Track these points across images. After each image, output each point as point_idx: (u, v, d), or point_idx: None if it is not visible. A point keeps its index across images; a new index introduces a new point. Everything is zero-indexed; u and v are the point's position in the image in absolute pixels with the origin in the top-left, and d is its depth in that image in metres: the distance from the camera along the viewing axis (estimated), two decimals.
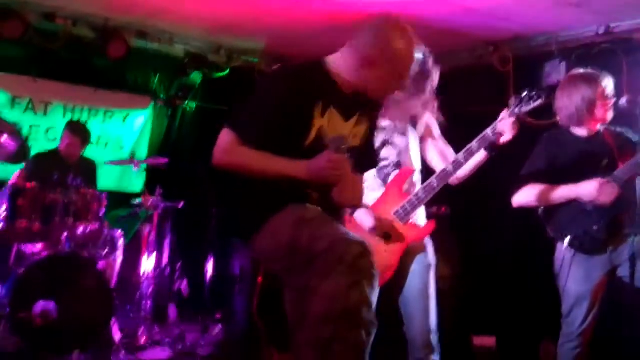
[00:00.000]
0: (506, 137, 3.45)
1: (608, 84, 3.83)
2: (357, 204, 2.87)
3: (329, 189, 2.68)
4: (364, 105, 2.83)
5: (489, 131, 3.45)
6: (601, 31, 5.53)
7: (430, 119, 3.74)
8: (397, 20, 2.75)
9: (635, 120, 3.50)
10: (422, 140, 3.75)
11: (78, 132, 6.07)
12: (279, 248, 2.62)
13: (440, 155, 3.74)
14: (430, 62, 3.53)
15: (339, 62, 2.76)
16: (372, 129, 2.97)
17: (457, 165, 3.49)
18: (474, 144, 3.48)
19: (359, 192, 2.78)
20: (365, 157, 2.94)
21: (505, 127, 3.43)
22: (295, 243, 2.56)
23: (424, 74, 3.48)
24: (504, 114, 3.47)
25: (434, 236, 3.63)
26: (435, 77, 3.57)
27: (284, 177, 2.63)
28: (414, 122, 3.65)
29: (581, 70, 3.98)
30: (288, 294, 2.78)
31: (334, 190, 2.67)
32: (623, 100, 3.59)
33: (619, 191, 3.63)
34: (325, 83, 2.72)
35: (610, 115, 3.82)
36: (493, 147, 3.50)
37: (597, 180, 3.67)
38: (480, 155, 3.54)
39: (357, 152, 2.81)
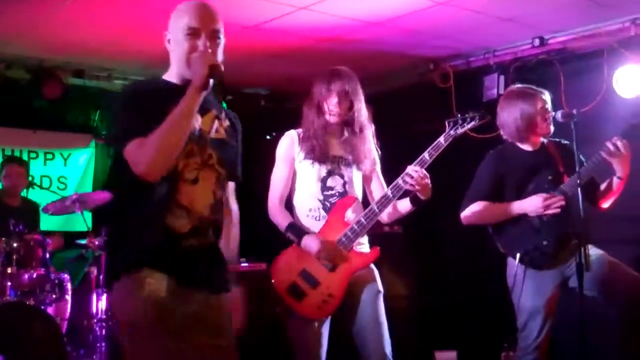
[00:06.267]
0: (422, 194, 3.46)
1: (546, 98, 3.87)
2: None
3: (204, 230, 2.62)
4: (213, 100, 2.73)
5: (399, 180, 3.44)
6: (536, 43, 5.60)
7: (374, 153, 3.72)
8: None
9: (570, 133, 3.51)
10: (365, 173, 3.71)
11: (19, 161, 6.13)
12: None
13: (380, 186, 3.73)
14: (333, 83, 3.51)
15: (171, 70, 2.72)
16: (234, 124, 2.83)
17: (397, 189, 3.47)
18: (409, 171, 3.45)
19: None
20: (233, 151, 2.81)
21: (413, 179, 3.41)
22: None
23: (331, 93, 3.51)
24: (410, 168, 3.43)
25: (389, 255, 3.59)
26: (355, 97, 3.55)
27: (189, 113, 2.48)
28: (359, 156, 3.61)
29: (517, 86, 4.01)
30: None
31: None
32: (558, 114, 3.60)
33: (564, 201, 3.66)
34: (168, 89, 2.63)
35: (551, 128, 3.86)
36: (417, 200, 3.51)
37: (540, 195, 3.70)
38: (407, 206, 3.57)
39: (222, 144, 2.72)
